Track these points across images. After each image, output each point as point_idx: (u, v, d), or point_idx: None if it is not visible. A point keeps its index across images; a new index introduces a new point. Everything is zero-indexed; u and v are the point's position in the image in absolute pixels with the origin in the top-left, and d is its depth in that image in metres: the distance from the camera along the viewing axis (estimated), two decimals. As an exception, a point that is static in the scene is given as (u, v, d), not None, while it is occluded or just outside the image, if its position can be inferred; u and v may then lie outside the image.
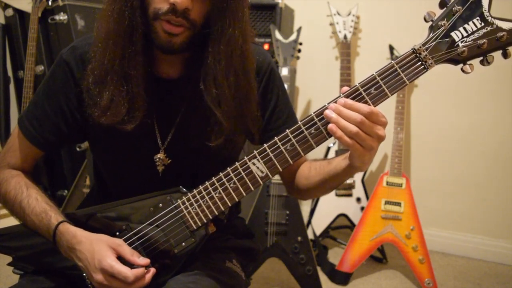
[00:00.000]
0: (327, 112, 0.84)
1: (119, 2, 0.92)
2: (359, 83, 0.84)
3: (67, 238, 0.95)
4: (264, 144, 0.90)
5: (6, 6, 2.67)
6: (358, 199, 2.54)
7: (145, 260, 0.93)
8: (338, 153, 2.53)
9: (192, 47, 0.96)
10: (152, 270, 0.94)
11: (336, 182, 1.04)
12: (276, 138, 0.89)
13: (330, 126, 0.84)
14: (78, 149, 2.46)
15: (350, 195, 2.54)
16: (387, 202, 2.33)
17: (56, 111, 1.03)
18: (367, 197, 2.52)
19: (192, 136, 1.02)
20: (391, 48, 2.64)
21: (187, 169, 1.07)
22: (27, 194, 1.02)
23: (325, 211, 2.55)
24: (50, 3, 2.45)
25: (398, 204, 2.31)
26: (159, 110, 1.04)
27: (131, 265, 0.92)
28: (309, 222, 2.55)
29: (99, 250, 0.91)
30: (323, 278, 2.27)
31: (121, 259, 0.92)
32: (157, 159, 1.05)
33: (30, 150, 1.07)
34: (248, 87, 1.01)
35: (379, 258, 2.55)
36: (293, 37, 2.46)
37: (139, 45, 0.94)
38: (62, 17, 2.42)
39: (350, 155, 0.91)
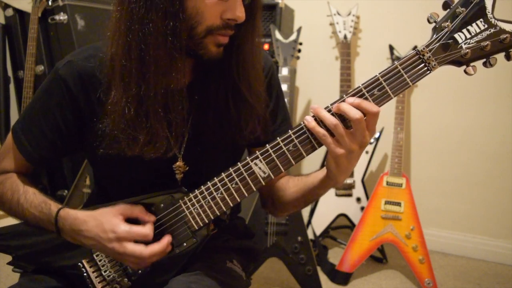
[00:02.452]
0: (312, 105, 0.86)
1: (158, 27, 0.85)
2: (362, 84, 0.84)
3: (69, 222, 0.95)
4: (267, 145, 0.90)
5: (6, 6, 2.67)
6: (358, 199, 2.54)
7: (152, 217, 0.95)
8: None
9: None
10: (167, 238, 0.94)
11: (312, 195, 1.04)
12: (279, 139, 0.89)
13: (306, 117, 0.86)
14: (78, 149, 2.46)
15: (350, 195, 2.54)
16: (387, 202, 2.33)
17: (53, 129, 1.00)
18: (367, 197, 2.52)
19: (206, 136, 1.02)
20: (391, 48, 2.64)
21: (204, 174, 1.04)
22: (24, 191, 1.02)
23: (325, 211, 2.55)
24: (50, 3, 2.44)
25: (398, 204, 2.31)
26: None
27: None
28: (309, 222, 2.55)
29: (107, 221, 0.91)
30: (323, 278, 2.27)
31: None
32: (176, 167, 1.04)
33: (24, 163, 1.05)
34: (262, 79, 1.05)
35: (379, 258, 2.55)
36: (293, 37, 2.46)
37: (182, 71, 0.91)
38: (62, 17, 2.41)
39: (327, 158, 0.92)
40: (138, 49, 0.87)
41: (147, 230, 0.91)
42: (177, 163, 1.03)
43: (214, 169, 0.96)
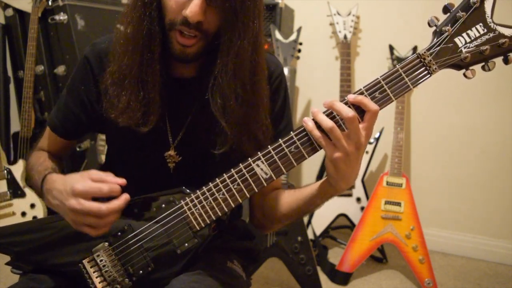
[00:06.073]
0: (312, 109, 0.87)
1: (138, 10, 0.96)
2: (363, 87, 0.85)
3: (47, 184, 0.99)
4: (269, 146, 0.90)
5: (6, 6, 2.66)
6: (358, 199, 2.54)
7: (122, 180, 0.91)
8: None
9: (206, 53, 0.98)
10: (125, 195, 0.90)
11: (309, 206, 1.03)
12: (280, 140, 0.90)
13: (305, 118, 0.87)
14: (78, 149, 2.46)
15: (350, 195, 2.55)
16: (387, 202, 2.33)
17: (77, 103, 1.12)
18: (367, 197, 2.53)
19: (200, 140, 1.04)
20: (391, 48, 2.64)
21: (197, 168, 1.09)
22: (42, 161, 1.13)
23: (325, 211, 2.55)
24: (50, 3, 2.45)
25: (398, 204, 2.32)
26: (172, 108, 1.06)
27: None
28: (309, 222, 2.56)
29: (70, 179, 0.91)
30: (323, 278, 2.28)
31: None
32: (168, 156, 1.09)
33: (54, 138, 1.19)
34: (257, 98, 1.02)
35: (379, 258, 2.56)
36: (293, 37, 2.47)
37: (157, 53, 0.98)
38: (62, 17, 2.42)
39: (326, 163, 0.92)
40: (125, 26, 0.99)
41: (105, 187, 0.88)
42: (169, 152, 1.08)
43: (208, 165, 0.98)
